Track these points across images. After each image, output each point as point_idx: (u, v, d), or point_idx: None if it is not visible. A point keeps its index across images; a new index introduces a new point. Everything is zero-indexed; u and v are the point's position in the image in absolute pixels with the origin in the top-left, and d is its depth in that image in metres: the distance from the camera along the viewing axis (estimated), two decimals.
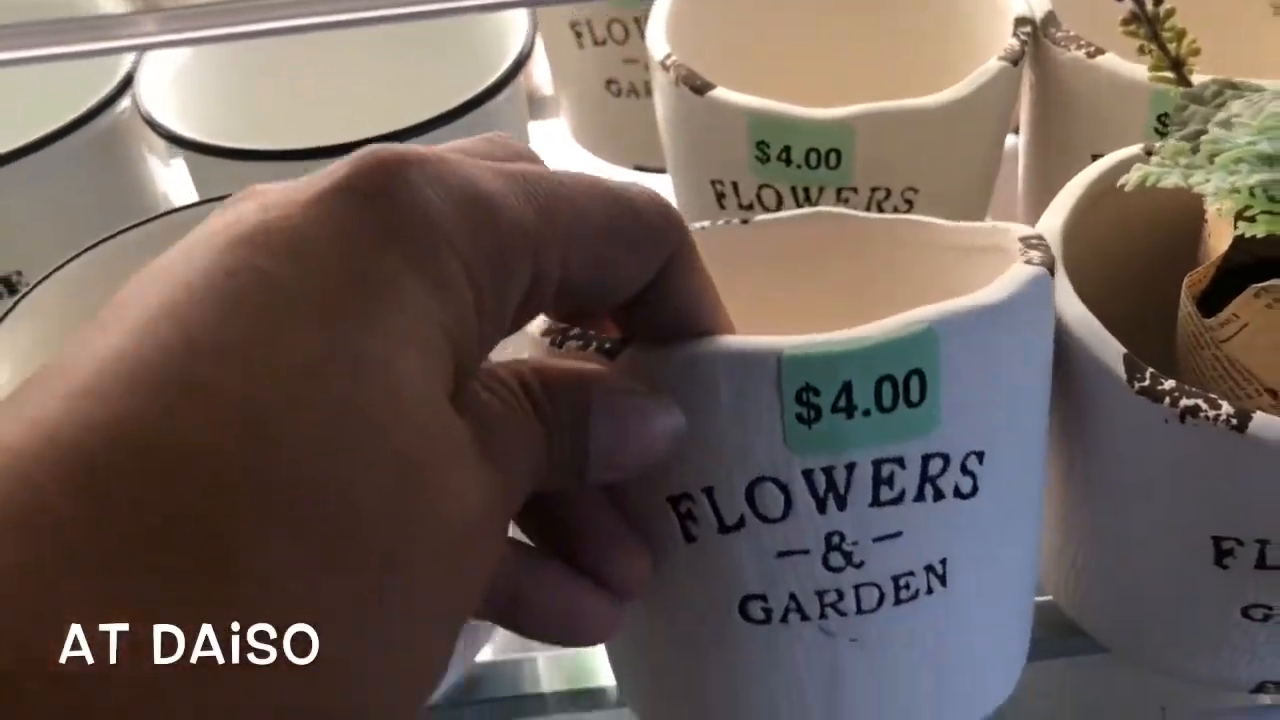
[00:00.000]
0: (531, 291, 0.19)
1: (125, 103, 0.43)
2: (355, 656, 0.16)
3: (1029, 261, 0.25)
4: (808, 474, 0.23)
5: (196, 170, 0.43)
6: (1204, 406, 0.26)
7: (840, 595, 0.25)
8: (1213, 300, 0.30)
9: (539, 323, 0.25)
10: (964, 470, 0.24)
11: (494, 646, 0.36)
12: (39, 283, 0.35)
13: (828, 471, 0.23)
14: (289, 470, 0.15)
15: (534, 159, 0.21)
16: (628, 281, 0.21)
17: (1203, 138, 0.26)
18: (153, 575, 0.14)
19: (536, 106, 0.57)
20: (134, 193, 0.45)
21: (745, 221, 0.30)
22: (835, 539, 0.24)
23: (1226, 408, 0.26)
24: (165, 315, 0.16)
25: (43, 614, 0.13)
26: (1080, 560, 0.33)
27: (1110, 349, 0.28)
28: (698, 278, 0.22)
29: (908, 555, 0.24)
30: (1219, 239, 0.30)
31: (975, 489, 0.24)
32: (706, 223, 0.29)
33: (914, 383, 0.22)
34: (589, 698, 0.35)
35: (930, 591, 0.25)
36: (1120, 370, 0.27)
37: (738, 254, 0.29)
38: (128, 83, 0.42)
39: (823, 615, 0.25)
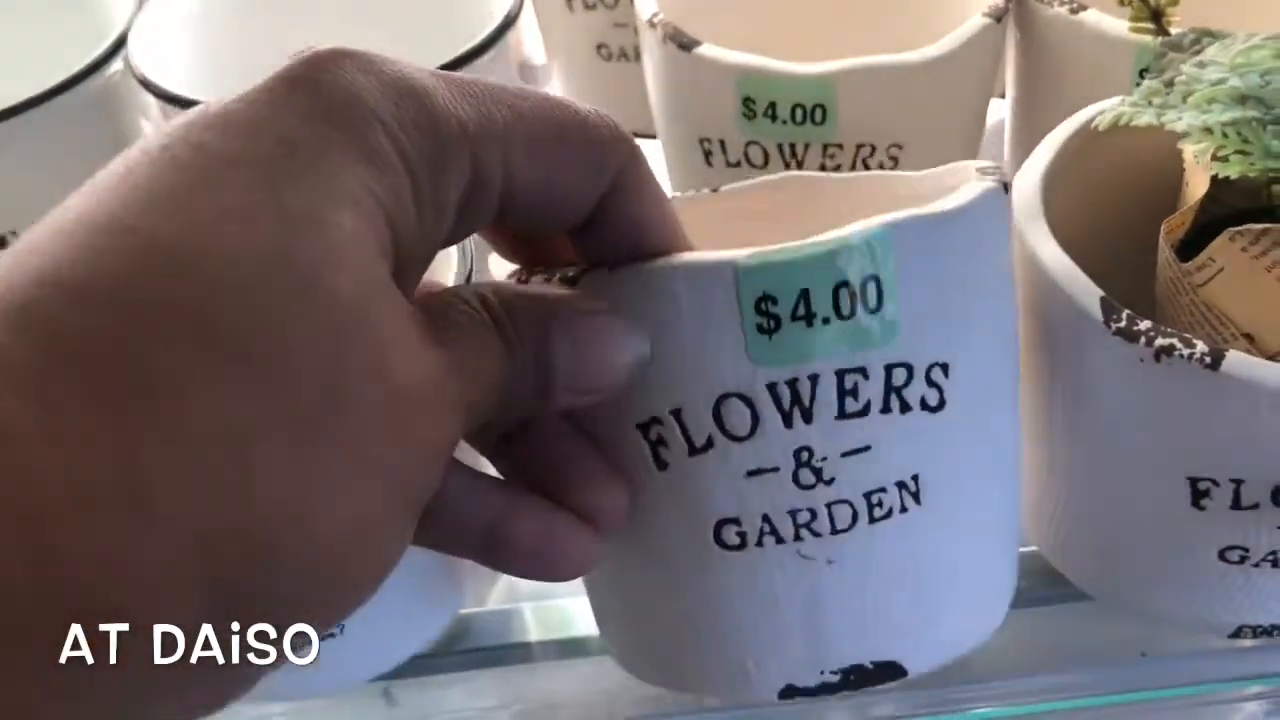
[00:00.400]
0: (474, 191, 0.19)
1: (117, 64, 0.43)
2: (295, 489, 0.16)
3: (984, 171, 0.25)
4: (772, 387, 0.23)
5: None
6: (1179, 345, 0.27)
7: (813, 515, 0.25)
8: (1192, 251, 0.30)
9: (506, 268, 0.25)
10: (929, 382, 0.24)
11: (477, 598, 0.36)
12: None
13: (791, 384, 0.23)
14: (217, 305, 0.16)
15: None
16: (576, 193, 0.21)
17: (1177, 78, 0.26)
18: (86, 399, 0.15)
19: (528, 76, 0.57)
20: None
21: (715, 190, 0.30)
22: (804, 455, 0.24)
23: (1201, 346, 0.26)
24: (106, 187, 0.17)
25: None
26: (1061, 507, 0.33)
27: (1087, 291, 0.28)
28: (650, 195, 0.22)
29: (878, 470, 0.25)
30: (1196, 185, 0.30)
31: (942, 402, 0.24)
32: (676, 194, 0.29)
33: (871, 288, 0.23)
34: (573, 646, 0.35)
35: (905, 510, 0.25)
36: (1097, 312, 0.28)
37: (710, 223, 0.29)
38: (121, 44, 0.43)
39: (797, 537, 0.25)
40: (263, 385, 0.16)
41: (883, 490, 0.25)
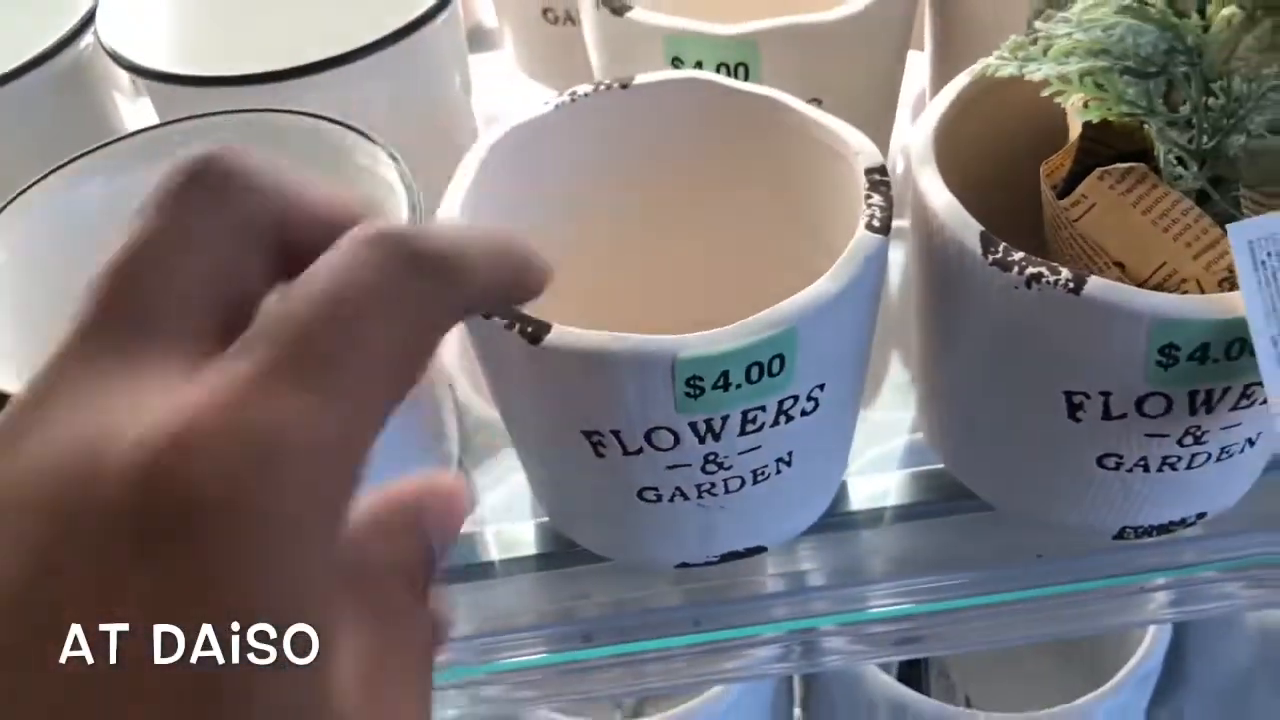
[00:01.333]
0: None
1: (88, 38, 0.45)
2: None
3: (870, 225, 0.30)
4: (693, 424, 0.29)
5: (161, 105, 0.46)
6: (1046, 273, 0.30)
7: (713, 485, 0.32)
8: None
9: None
10: (809, 398, 0.30)
11: None
12: (3, 208, 0.37)
13: (708, 421, 0.29)
14: None
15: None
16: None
17: (1039, 34, 0.29)
18: None
19: (480, 39, 0.60)
20: (101, 130, 0.48)
21: (625, 86, 0.35)
22: (711, 456, 0.31)
23: (1065, 273, 0.30)
24: None
25: None
26: (961, 428, 0.37)
27: (970, 228, 0.31)
28: None
29: (764, 456, 0.32)
30: (1075, 130, 0.33)
31: (817, 406, 0.31)
32: (589, 87, 0.34)
33: (776, 363, 0.28)
34: (530, 563, 0.39)
35: (779, 472, 0.32)
36: (977, 245, 0.31)
37: (627, 120, 0.35)
38: (90, 18, 0.45)
39: (699, 496, 0.32)
40: None
41: (766, 465, 0.32)
